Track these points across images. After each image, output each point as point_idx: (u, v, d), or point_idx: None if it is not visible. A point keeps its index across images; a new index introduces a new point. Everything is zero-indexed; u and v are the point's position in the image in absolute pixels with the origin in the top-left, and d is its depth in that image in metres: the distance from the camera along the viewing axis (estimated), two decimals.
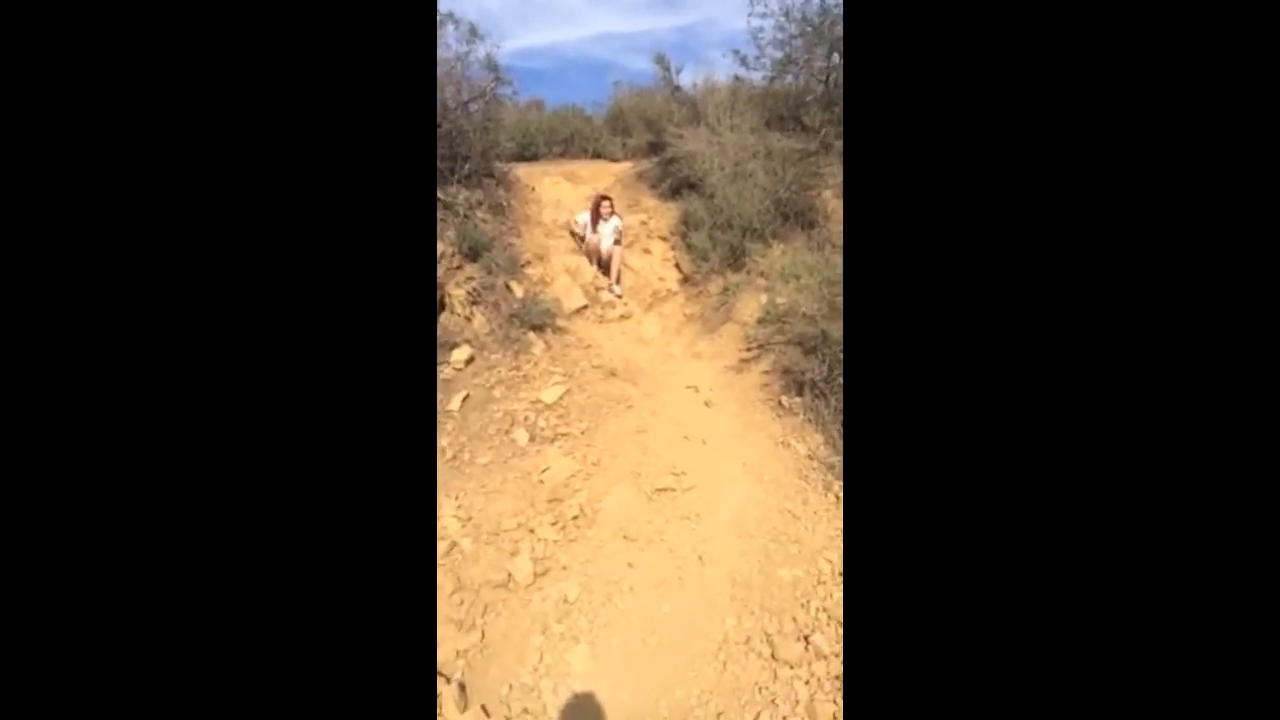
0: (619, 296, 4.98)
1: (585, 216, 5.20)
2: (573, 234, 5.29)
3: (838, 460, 3.02)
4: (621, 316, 4.71)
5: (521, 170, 6.06)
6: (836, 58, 5.35)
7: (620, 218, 5.28)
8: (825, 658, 2.09)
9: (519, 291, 4.18)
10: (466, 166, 4.59)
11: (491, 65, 4.85)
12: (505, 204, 4.97)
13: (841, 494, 2.85)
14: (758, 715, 1.94)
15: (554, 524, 2.68)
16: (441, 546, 2.53)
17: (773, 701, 1.98)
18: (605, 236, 5.07)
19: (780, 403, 3.49)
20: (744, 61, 5.77)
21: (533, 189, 5.87)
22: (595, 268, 5.10)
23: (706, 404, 3.66)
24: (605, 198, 5.19)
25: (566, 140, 7.81)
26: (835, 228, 4.69)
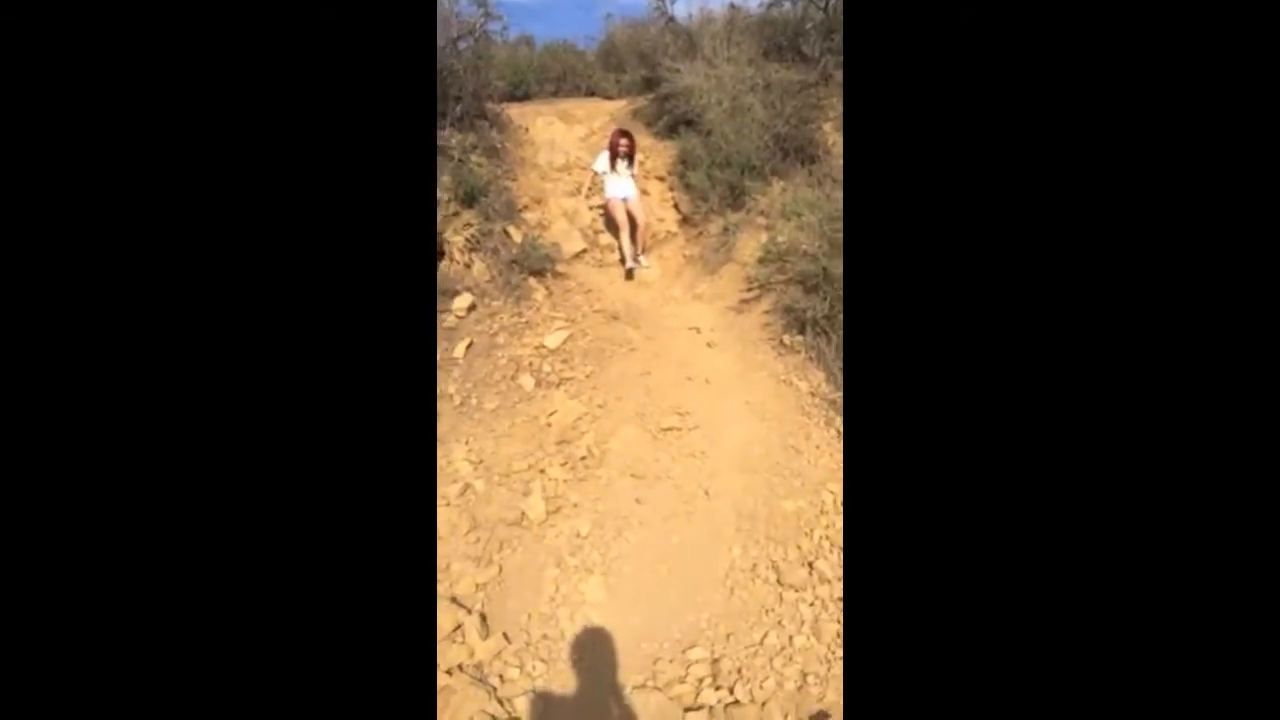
0: (645, 267, 4.54)
1: (604, 160, 4.45)
2: (590, 187, 4.67)
3: (839, 396, 3.08)
4: (620, 259, 4.68)
5: (514, 110, 5.90)
6: None
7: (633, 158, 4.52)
8: (829, 581, 2.19)
9: (517, 237, 4.14)
10: (458, 108, 4.47)
11: (480, 0, 4.65)
12: (499, 146, 4.86)
13: (843, 429, 2.92)
14: (765, 635, 2.06)
15: (563, 464, 2.75)
16: (455, 488, 2.61)
17: (779, 622, 2.09)
18: (625, 182, 4.42)
19: (782, 341, 3.52)
20: None
21: (526, 130, 5.72)
22: (623, 236, 4.46)
23: (709, 345, 3.69)
24: (625, 133, 4.51)
25: (559, 78, 7.55)
26: (836, 163, 4.60)
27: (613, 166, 4.41)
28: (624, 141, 4.42)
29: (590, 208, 4.97)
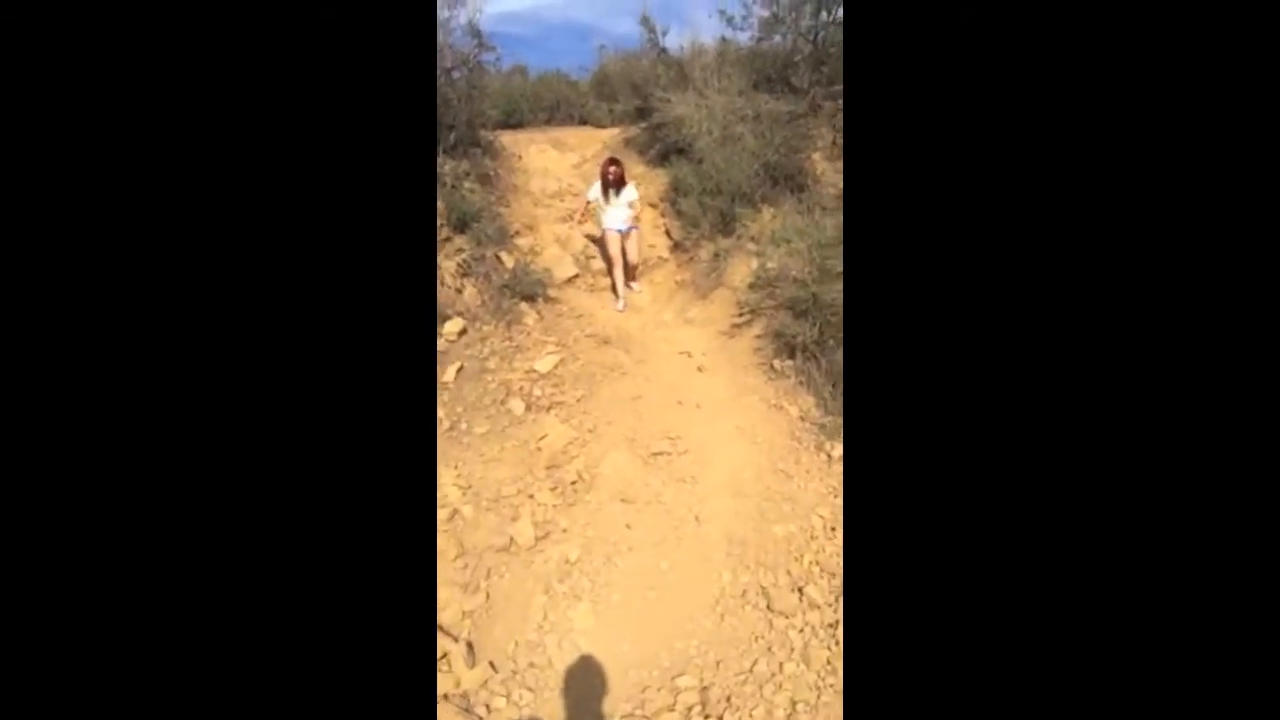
0: (637, 291, 4.59)
1: (596, 190, 4.40)
2: (583, 213, 4.61)
3: (829, 421, 3.09)
4: (611, 287, 4.72)
5: (507, 138, 5.99)
6: (825, 15, 5.27)
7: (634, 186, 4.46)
8: (819, 607, 2.17)
9: (509, 262, 4.18)
10: (452, 136, 4.54)
11: (475, 31, 4.76)
12: (492, 173, 4.93)
13: (833, 453, 2.92)
14: (755, 662, 2.03)
15: (553, 489, 2.74)
16: (443, 514, 2.58)
17: (769, 649, 2.07)
18: (619, 213, 4.34)
19: (772, 366, 3.54)
20: (730, 21, 5.68)
21: (519, 157, 5.81)
22: (615, 272, 4.49)
23: (699, 369, 3.71)
24: (614, 160, 4.40)
25: (552, 107, 7.70)
26: (825, 190, 4.69)
27: (604, 196, 4.34)
28: (613, 169, 4.32)
29: (586, 236, 5.01)
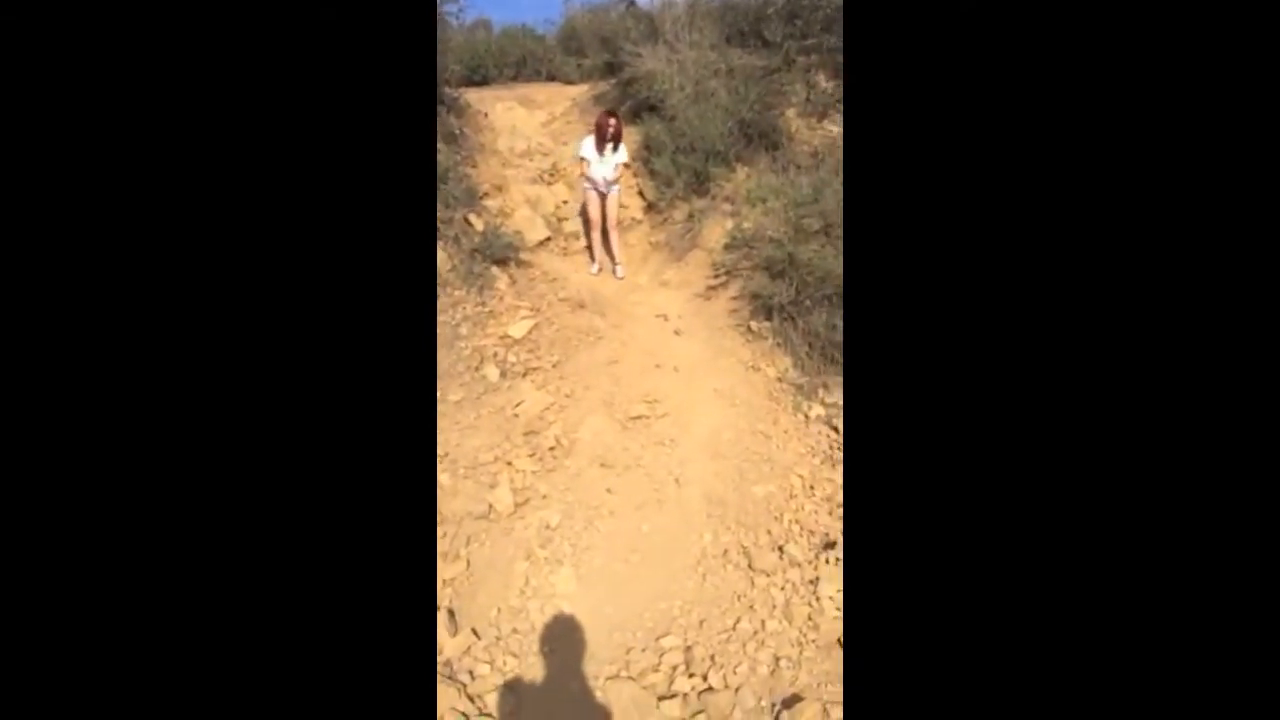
0: (620, 279, 4.36)
1: (589, 146, 4.08)
2: (584, 176, 4.21)
3: (806, 381, 3.10)
4: (587, 248, 4.62)
5: (472, 95, 5.75)
6: None
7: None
8: (799, 565, 2.21)
9: (479, 225, 4.04)
10: None
11: None
12: (458, 132, 4.73)
13: (810, 413, 2.94)
14: (738, 620, 2.06)
15: (531, 455, 2.70)
16: None
17: (751, 607, 2.10)
18: (608, 172, 4.08)
19: (749, 327, 3.52)
20: None
21: (485, 115, 5.59)
22: (594, 235, 4.32)
23: (676, 332, 3.67)
24: (613, 113, 4.12)
25: (518, 62, 7.41)
26: (799, 149, 4.62)
27: (599, 150, 4.06)
28: (612, 122, 4.03)
29: (562, 200, 4.87)
